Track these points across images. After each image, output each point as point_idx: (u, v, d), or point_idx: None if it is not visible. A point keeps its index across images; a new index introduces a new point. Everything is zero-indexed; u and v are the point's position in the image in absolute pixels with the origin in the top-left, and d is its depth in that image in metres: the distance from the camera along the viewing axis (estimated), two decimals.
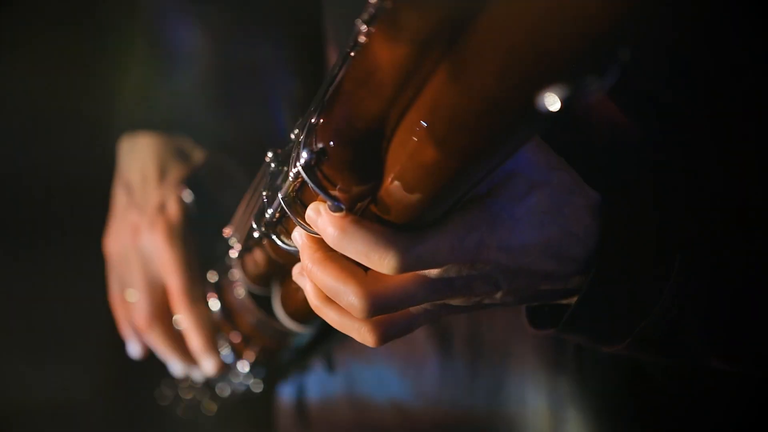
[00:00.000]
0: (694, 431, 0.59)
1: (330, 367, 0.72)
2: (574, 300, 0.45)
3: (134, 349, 0.77)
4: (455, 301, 0.44)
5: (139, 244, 0.72)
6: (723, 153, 0.49)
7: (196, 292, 0.69)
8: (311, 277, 0.43)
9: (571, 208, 0.43)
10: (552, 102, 0.26)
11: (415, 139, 0.32)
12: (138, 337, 0.75)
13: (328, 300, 0.43)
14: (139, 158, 0.76)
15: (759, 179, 0.48)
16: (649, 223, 0.45)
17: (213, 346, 0.70)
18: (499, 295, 0.43)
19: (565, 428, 0.59)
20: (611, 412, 0.59)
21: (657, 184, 0.47)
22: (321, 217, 0.39)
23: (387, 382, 0.67)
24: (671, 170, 0.48)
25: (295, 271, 0.48)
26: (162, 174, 0.74)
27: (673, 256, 0.44)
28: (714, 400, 0.58)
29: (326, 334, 0.68)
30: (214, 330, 0.70)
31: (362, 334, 0.43)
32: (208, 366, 0.71)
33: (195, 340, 0.70)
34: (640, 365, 0.57)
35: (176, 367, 0.76)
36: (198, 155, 0.75)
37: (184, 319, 0.70)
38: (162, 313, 0.71)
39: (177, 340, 0.72)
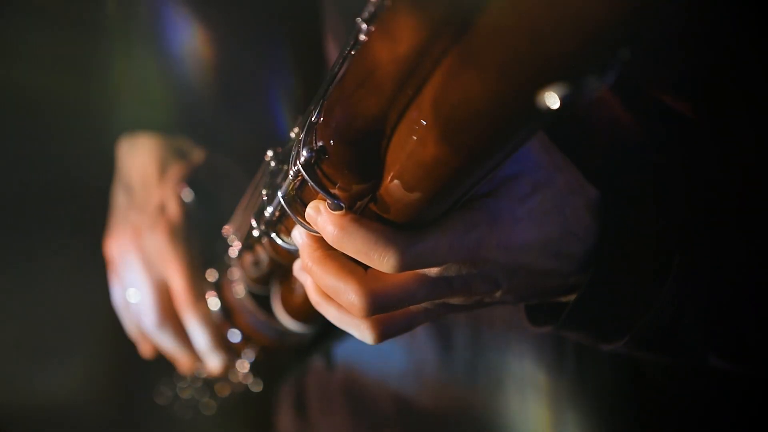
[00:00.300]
0: (693, 431, 0.59)
1: (329, 365, 0.72)
2: (573, 297, 0.45)
3: (145, 351, 0.77)
4: (455, 300, 0.44)
5: (140, 245, 0.72)
6: (723, 153, 0.49)
7: (200, 291, 0.69)
8: (311, 276, 0.43)
9: (572, 208, 0.43)
10: (552, 100, 0.26)
11: (415, 138, 0.32)
12: (147, 338, 0.75)
13: (329, 296, 0.43)
14: (138, 159, 0.76)
15: (758, 179, 0.48)
16: (648, 222, 0.45)
17: (219, 344, 0.70)
18: (498, 293, 0.43)
19: (564, 427, 0.59)
20: (610, 411, 0.59)
21: (657, 183, 0.47)
22: (321, 215, 0.39)
23: (387, 381, 0.67)
24: (671, 170, 0.48)
25: (296, 266, 0.48)
26: (162, 174, 0.74)
27: (672, 254, 0.44)
28: (713, 401, 0.58)
29: (326, 332, 0.68)
30: (217, 328, 0.70)
31: (362, 331, 0.43)
32: (214, 364, 0.71)
33: (201, 339, 0.70)
34: (639, 365, 0.57)
35: (184, 365, 0.76)
36: (197, 155, 0.75)
37: (189, 318, 0.70)
38: (170, 313, 0.71)
39: (185, 339, 0.72)
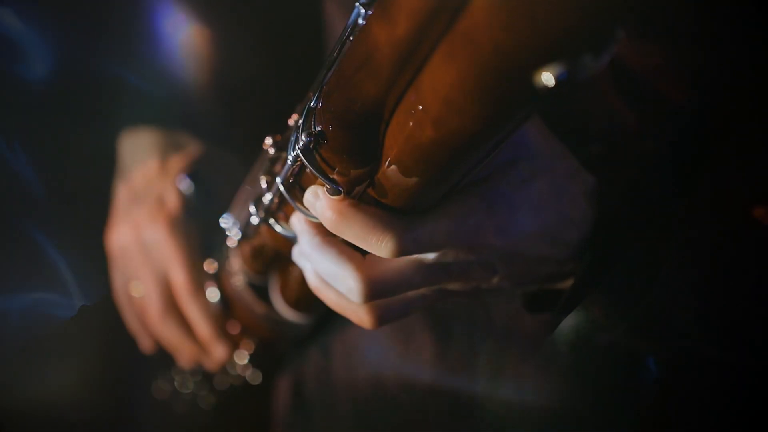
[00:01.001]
0: (691, 427, 0.59)
1: (328, 357, 0.73)
2: (569, 284, 0.45)
3: (146, 344, 0.77)
4: (452, 286, 0.44)
5: (141, 238, 0.72)
6: (720, 143, 0.49)
7: (200, 282, 0.70)
8: (310, 262, 0.43)
9: (569, 195, 0.43)
10: (547, 80, 0.26)
11: (413, 122, 0.32)
12: (149, 331, 0.75)
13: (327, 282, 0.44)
14: (139, 153, 0.76)
15: (756, 169, 0.49)
16: (644, 210, 0.45)
17: (222, 334, 0.70)
18: (495, 279, 0.44)
19: (561, 423, 0.59)
20: (607, 406, 0.59)
21: (653, 171, 0.48)
22: (319, 200, 0.39)
23: (385, 373, 0.67)
24: (667, 158, 0.49)
25: (296, 252, 0.49)
26: (162, 167, 0.74)
27: (668, 242, 0.45)
28: (712, 397, 0.58)
29: (325, 324, 0.68)
30: (217, 319, 0.70)
31: (360, 316, 0.44)
32: (219, 353, 0.71)
33: (204, 329, 0.70)
34: (637, 360, 0.57)
35: (186, 358, 0.76)
36: (196, 148, 0.76)
37: (191, 309, 0.70)
38: (172, 305, 0.71)
39: (188, 331, 0.72)
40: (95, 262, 0.80)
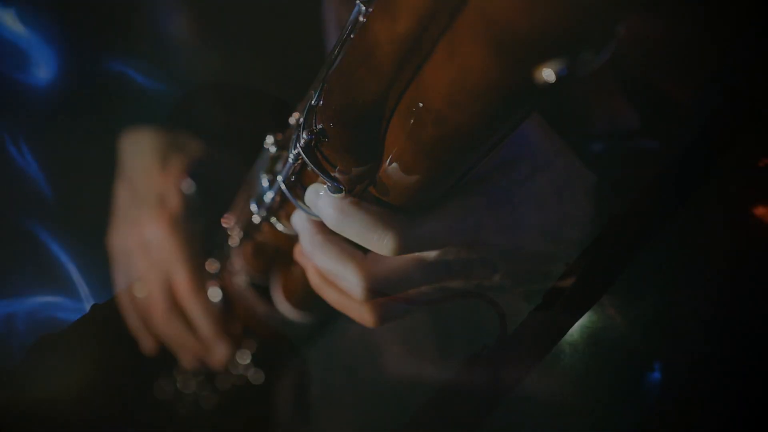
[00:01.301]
0: (695, 427, 0.59)
1: (330, 356, 0.73)
2: (571, 282, 0.45)
3: (148, 345, 0.77)
4: (454, 284, 0.44)
5: (143, 238, 0.72)
6: (723, 141, 0.49)
7: (202, 281, 0.70)
8: (312, 260, 0.43)
9: (570, 193, 0.43)
10: (548, 76, 0.26)
11: (414, 119, 0.32)
12: (152, 331, 0.75)
13: (329, 280, 0.44)
14: (140, 153, 0.76)
15: (759, 168, 0.49)
16: (644, 208, 0.45)
17: (224, 333, 0.70)
18: (497, 277, 0.44)
19: (564, 423, 0.59)
20: (611, 407, 0.59)
21: (655, 170, 0.48)
22: (321, 198, 0.39)
23: (387, 372, 0.67)
24: (670, 157, 0.49)
25: (297, 251, 0.49)
26: (162, 167, 0.74)
27: (670, 241, 0.45)
28: (716, 397, 0.58)
29: (327, 324, 0.68)
30: (220, 319, 0.70)
31: (361, 314, 0.44)
32: (221, 351, 0.71)
33: (206, 327, 0.70)
34: (641, 361, 0.57)
35: (189, 358, 0.76)
36: (197, 148, 0.76)
37: (193, 309, 0.70)
38: (175, 304, 0.72)
39: (191, 330, 0.72)
40: (102, 263, 0.80)
